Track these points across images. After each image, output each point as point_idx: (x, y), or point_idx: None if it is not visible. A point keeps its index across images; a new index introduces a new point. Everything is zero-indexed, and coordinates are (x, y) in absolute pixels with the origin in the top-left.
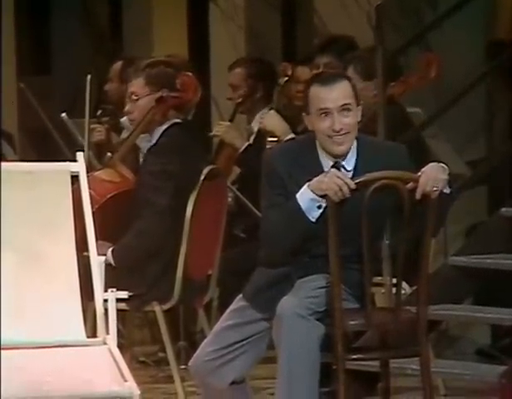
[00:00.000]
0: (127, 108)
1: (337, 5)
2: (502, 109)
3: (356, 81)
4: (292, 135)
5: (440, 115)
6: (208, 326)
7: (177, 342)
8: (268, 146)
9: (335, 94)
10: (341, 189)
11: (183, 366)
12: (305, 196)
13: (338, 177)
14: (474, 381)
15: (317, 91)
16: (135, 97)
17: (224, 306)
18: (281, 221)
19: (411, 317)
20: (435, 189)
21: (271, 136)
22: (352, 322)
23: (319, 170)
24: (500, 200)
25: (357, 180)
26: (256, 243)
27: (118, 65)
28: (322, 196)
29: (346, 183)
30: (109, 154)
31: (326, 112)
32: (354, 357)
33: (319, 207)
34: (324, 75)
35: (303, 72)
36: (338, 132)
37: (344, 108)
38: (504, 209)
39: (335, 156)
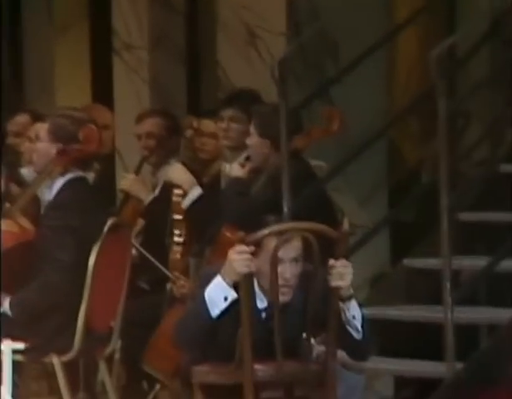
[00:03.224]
0: (26, 145)
1: (241, 59)
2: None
3: (253, 136)
4: (197, 188)
5: (343, 167)
6: (109, 377)
7: (76, 393)
8: (174, 198)
9: None
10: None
11: None
12: (214, 287)
13: (238, 252)
14: None
15: None
16: (37, 139)
17: (126, 357)
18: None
19: (320, 370)
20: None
21: (177, 188)
22: (262, 373)
23: None
24: (403, 251)
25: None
26: (159, 296)
27: (24, 118)
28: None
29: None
30: (7, 204)
31: None
32: None
33: (225, 299)
34: None
35: (208, 125)
36: None
37: None
38: (406, 260)
39: None
